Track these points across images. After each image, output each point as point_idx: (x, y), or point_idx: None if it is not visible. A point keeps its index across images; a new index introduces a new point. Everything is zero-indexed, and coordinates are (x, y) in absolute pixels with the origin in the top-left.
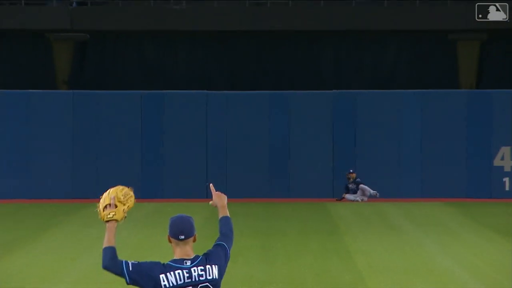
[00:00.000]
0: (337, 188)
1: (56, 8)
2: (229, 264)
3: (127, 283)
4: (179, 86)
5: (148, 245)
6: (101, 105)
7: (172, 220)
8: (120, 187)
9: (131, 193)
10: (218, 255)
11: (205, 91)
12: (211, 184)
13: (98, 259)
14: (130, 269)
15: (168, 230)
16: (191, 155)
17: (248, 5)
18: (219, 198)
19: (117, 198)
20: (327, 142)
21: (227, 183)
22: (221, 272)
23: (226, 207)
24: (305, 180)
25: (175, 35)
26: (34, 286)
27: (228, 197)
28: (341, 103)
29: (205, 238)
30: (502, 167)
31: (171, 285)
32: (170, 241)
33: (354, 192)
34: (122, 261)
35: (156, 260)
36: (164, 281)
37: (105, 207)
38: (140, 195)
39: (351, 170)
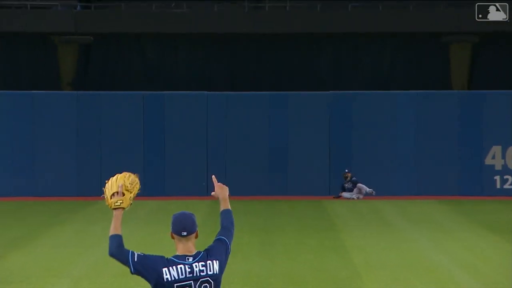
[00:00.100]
0: (334, 186)
1: (61, 12)
2: (229, 259)
3: (131, 273)
4: (180, 87)
5: (150, 242)
6: (104, 106)
7: (174, 217)
8: (127, 174)
9: (137, 180)
10: (219, 250)
11: (205, 92)
12: (213, 176)
13: (102, 255)
14: (136, 260)
15: (171, 227)
16: (192, 154)
17: (248, 8)
18: (221, 190)
19: (124, 186)
20: (324, 142)
21: (227, 181)
22: (221, 267)
23: (228, 199)
24: (303, 179)
25: (176, 37)
26: (39, 281)
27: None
28: (338, 104)
29: (205, 235)
30: (493, 165)
31: (173, 279)
32: (173, 237)
33: (350, 190)
34: (129, 251)
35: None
36: (166, 274)
37: (113, 194)
38: (142, 193)
39: (346, 170)
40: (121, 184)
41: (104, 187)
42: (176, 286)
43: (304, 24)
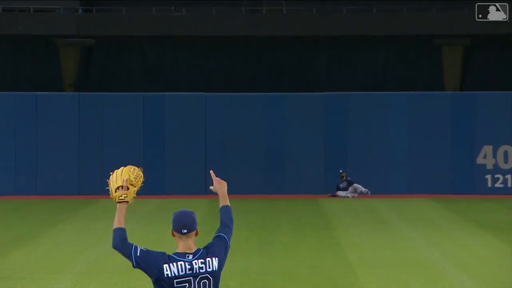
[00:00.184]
0: (330, 185)
1: (63, 15)
2: (227, 257)
3: (133, 267)
4: (180, 88)
5: (151, 240)
6: (105, 107)
7: (175, 215)
8: (131, 168)
9: (141, 173)
10: (218, 247)
11: (204, 93)
12: (211, 171)
13: (103, 253)
14: (138, 254)
15: (172, 225)
16: (191, 153)
17: (245, 11)
18: (219, 185)
19: (129, 181)
20: (320, 141)
21: (225, 180)
22: (220, 264)
23: (227, 195)
24: (299, 178)
25: (176, 40)
26: (41, 278)
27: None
28: (334, 104)
29: (205, 233)
30: (485, 164)
31: (173, 275)
32: (173, 235)
33: (345, 189)
34: (132, 245)
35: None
36: (167, 270)
37: (117, 188)
38: (142, 191)
39: (341, 170)
40: (126, 179)
41: (109, 179)
42: (176, 281)
43: (300, 27)
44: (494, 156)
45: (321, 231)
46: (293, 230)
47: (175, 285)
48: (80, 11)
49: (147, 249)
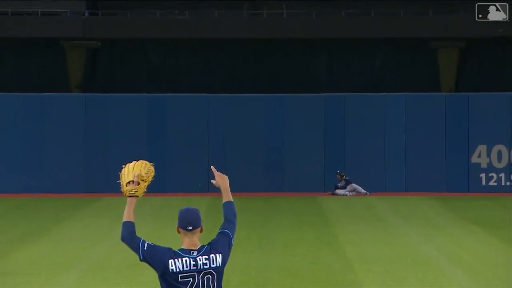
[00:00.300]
0: (328, 184)
1: (70, 18)
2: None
3: (140, 260)
4: (182, 90)
5: (154, 236)
6: (110, 107)
7: (180, 212)
8: (143, 163)
9: (152, 168)
10: (222, 244)
11: (206, 94)
12: (212, 166)
13: (108, 249)
14: (145, 248)
15: (177, 222)
16: (193, 153)
17: (246, 15)
18: (221, 179)
19: (140, 176)
20: (319, 141)
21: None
22: (224, 260)
23: (229, 190)
24: (298, 176)
25: (179, 43)
26: (48, 274)
27: None
28: (332, 105)
29: (207, 231)
30: (479, 163)
31: (178, 270)
32: (179, 232)
33: (344, 188)
34: (140, 239)
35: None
36: (172, 265)
37: (128, 182)
38: (146, 189)
39: (338, 171)
40: (137, 174)
41: (121, 172)
42: (180, 276)
43: (300, 30)
44: (488, 155)
45: (320, 228)
46: (293, 228)
47: (179, 279)
48: (86, 14)
49: (154, 244)
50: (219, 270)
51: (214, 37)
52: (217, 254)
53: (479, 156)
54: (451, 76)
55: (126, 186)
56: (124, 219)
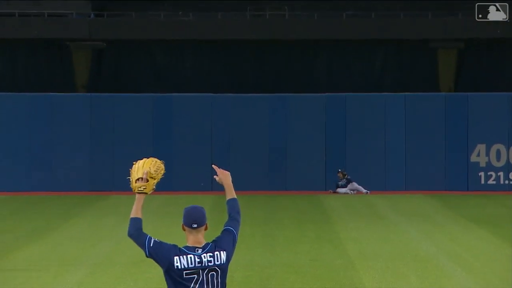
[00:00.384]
0: (330, 182)
1: (76, 20)
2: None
3: (146, 256)
4: (187, 90)
5: (160, 233)
6: (116, 107)
7: (186, 210)
8: (153, 161)
9: (162, 166)
10: (226, 241)
11: (211, 94)
12: (213, 165)
13: (114, 246)
14: (151, 245)
15: (183, 219)
16: (198, 151)
17: (249, 16)
18: (223, 175)
19: (149, 174)
20: (320, 140)
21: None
22: (228, 257)
23: (232, 186)
24: (300, 175)
25: (183, 44)
26: (56, 270)
27: None
28: (334, 105)
29: (210, 228)
30: (478, 162)
31: (182, 267)
32: (184, 229)
33: (344, 186)
34: (146, 236)
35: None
36: (177, 262)
37: (138, 179)
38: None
39: (339, 170)
40: (146, 171)
41: (131, 169)
42: (185, 273)
43: (302, 31)
44: (487, 154)
45: (321, 225)
46: (295, 225)
47: (184, 276)
48: (92, 15)
49: (160, 241)
50: (224, 267)
51: (217, 38)
52: (221, 252)
53: (478, 155)
54: (450, 76)
55: (135, 182)
56: (132, 215)
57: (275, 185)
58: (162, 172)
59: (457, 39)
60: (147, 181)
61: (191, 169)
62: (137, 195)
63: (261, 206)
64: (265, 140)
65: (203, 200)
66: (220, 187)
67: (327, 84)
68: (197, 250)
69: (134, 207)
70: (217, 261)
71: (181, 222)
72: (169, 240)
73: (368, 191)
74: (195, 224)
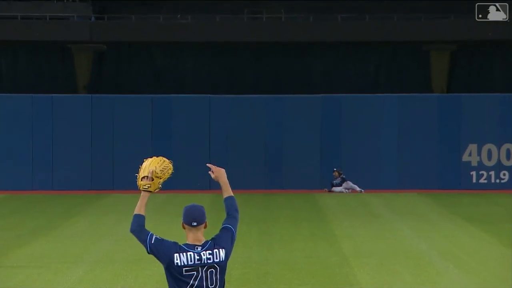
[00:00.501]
0: (325, 181)
1: (77, 22)
2: None
3: (147, 253)
4: (186, 91)
5: (159, 231)
6: (116, 107)
7: (186, 209)
8: (161, 161)
9: (170, 166)
10: (225, 239)
11: (209, 95)
12: (207, 164)
13: (114, 244)
14: (152, 242)
15: (182, 218)
16: (196, 151)
17: (247, 19)
18: (219, 172)
19: (154, 173)
20: (316, 140)
21: (228, 176)
22: (227, 255)
23: (228, 184)
24: (296, 174)
25: (182, 46)
26: (57, 267)
27: None
28: (329, 106)
29: (209, 226)
30: (470, 162)
31: (182, 264)
32: (183, 227)
33: (339, 185)
34: (148, 233)
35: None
36: (177, 259)
37: (144, 177)
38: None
39: (334, 169)
40: (151, 170)
41: (140, 166)
42: (185, 270)
43: (298, 33)
44: (479, 154)
45: (317, 223)
46: (291, 223)
47: (184, 272)
48: (92, 18)
49: (161, 238)
50: (222, 264)
51: (216, 40)
52: (220, 249)
53: (470, 154)
54: (442, 78)
55: (141, 180)
56: (136, 211)
57: (272, 184)
58: (170, 171)
59: (450, 41)
60: (152, 180)
61: (189, 168)
62: (142, 193)
63: (258, 204)
64: (262, 140)
65: (201, 199)
66: (218, 186)
67: (323, 85)
68: (197, 248)
69: (138, 204)
70: (216, 258)
71: (181, 221)
72: (167, 237)
73: (362, 190)
74: (194, 222)
